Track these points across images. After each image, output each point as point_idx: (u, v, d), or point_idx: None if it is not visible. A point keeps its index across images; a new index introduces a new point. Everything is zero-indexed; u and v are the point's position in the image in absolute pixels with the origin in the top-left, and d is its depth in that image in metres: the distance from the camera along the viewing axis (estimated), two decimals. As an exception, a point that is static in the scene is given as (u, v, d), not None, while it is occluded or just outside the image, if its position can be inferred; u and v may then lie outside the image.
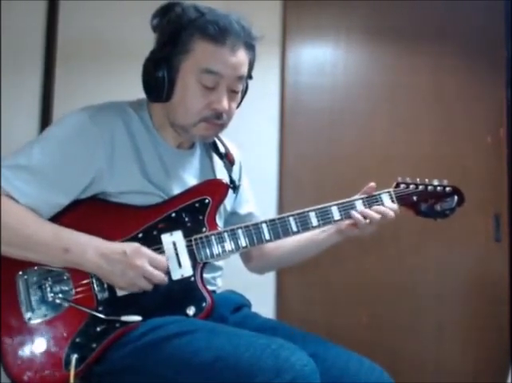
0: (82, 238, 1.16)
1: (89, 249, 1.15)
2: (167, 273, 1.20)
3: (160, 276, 1.17)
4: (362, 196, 1.38)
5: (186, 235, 1.23)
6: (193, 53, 1.22)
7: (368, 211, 1.34)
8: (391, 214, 1.35)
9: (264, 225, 1.29)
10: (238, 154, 1.51)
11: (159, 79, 1.22)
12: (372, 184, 1.38)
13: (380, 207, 1.35)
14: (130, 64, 2.23)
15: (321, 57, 2.53)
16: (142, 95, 1.33)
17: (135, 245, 1.18)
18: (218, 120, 1.26)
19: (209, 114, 1.25)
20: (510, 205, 2.52)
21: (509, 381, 2.30)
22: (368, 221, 1.33)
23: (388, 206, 1.36)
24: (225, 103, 1.25)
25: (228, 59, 1.23)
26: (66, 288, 1.16)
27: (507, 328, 2.44)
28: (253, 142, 2.33)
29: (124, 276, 1.15)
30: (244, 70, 1.27)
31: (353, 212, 1.34)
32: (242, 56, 1.25)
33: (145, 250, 1.17)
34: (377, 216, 1.33)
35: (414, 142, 2.51)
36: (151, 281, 1.17)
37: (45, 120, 2.23)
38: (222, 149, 1.43)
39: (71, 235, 1.16)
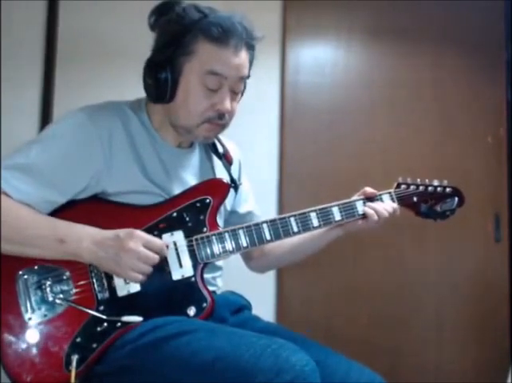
0: (77, 229, 1.16)
1: (84, 238, 1.14)
2: (168, 271, 1.20)
3: (155, 257, 1.15)
4: (363, 197, 1.39)
5: (186, 235, 1.23)
6: (196, 55, 1.22)
7: (377, 207, 1.36)
8: (397, 212, 1.38)
9: (265, 225, 1.29)
10: (238, 153, 1.51)
11: (161, 80, 1.22)
12: (373, 191, 1.40)
13: (388, 205, 1.37)
14: (130, 64, 2.23)
15: (321, 57, 2.53)
16: (142, 95, 1.33)
17: (129, 229, 1.16)
18: (221, 120, 1.27)
19: (212, 115, 1.25)
20: (510, 205, 2.52)
21: (509, 380, 2.30)
22: (376, 217, 1.35)
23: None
24: (228, 104, 1.25)
25: (231, 60, 1.23)
26: (66, 288, 1.16)
27: (507, 328, 2.45)
28: (253, 142, 2.33)
29: (118, 260, 1.13)
30: (246, 71, 1.27)
31: (369, 203, 1.36)
32: (244, 57, 1.25)
33: (139, 232, 1.16)
34: (385, 213, 1.35)
35: (414, 142, 2.52)
36: (147, 263, 1.14)
37: (45, 120, 2.22)
38: (220, 149, 1.43)
39: (66, 226, 1.16)
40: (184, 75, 1.23)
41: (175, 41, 1.22)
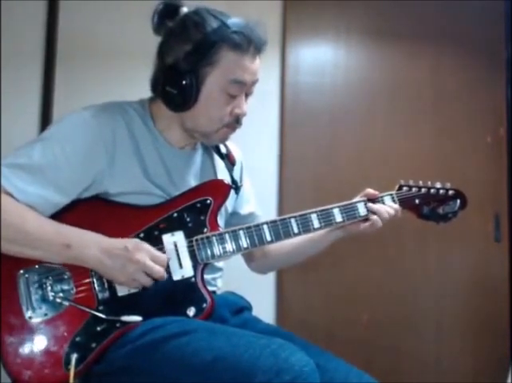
0: (83, 234, 1.16)
1: (90, 244, 1.15)
2: (168, 272, 1.20)
3: (160, 271, 1.17)
4: (364, 199, 1.38)
5: (187, 236, 1.23)
6: (219, 64, 1.22)
7: (379, 209, 1.36)
8: (399, 213, 1.38)
9: (265, 226, 1.29)
10: (239, 154, 1.51)
11: (184, 89, 1.22)
12: (375, 192, 1.40)
13: (389, 207, 1.37)
14: (130, 64, 2.25)
15: (321, 57, 2.53)
16: (142, 95, 1.33)
17: (136, 240, 1.18)
18: (237, 123, 1.29)
19: (231, 120, 1.27)
20: (510, 205, 2.52)
21: (509, 381, 2.30)
22: (380, 223, 1.35)
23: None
24: (245, 108, 1.28)
25: (250, 67, 1.25)
26: (67, 287, 1.16)
27: (507, 328, 2.44)
28: (253, 142, 2.32)
29: (124, 271, 1.15)
30: (259, 74, 1.29)
31: (371, 206, 1.36)
32: (258, 61, 1.27)
33: (145, 245, 1.18)
34: (387, 215, 1.36)
35: (414, 142, 2.52)
36: (151, 276, 1.17)
37: (45, 120, 2.23)
38: (223, 150, 1.43)
39: (72, 231, 1.16)
40: (206, 83, 1.23)
41: (198, 50, 1.21)
